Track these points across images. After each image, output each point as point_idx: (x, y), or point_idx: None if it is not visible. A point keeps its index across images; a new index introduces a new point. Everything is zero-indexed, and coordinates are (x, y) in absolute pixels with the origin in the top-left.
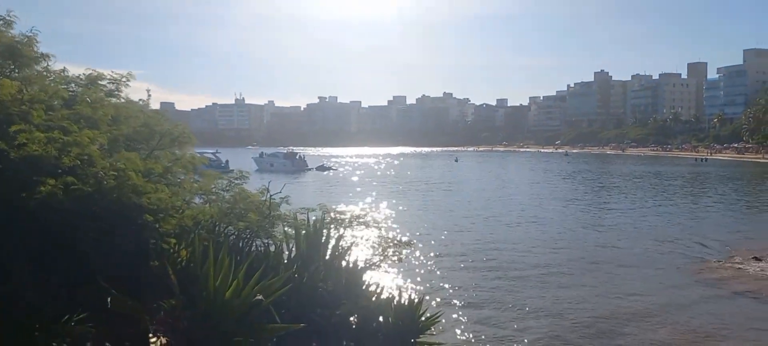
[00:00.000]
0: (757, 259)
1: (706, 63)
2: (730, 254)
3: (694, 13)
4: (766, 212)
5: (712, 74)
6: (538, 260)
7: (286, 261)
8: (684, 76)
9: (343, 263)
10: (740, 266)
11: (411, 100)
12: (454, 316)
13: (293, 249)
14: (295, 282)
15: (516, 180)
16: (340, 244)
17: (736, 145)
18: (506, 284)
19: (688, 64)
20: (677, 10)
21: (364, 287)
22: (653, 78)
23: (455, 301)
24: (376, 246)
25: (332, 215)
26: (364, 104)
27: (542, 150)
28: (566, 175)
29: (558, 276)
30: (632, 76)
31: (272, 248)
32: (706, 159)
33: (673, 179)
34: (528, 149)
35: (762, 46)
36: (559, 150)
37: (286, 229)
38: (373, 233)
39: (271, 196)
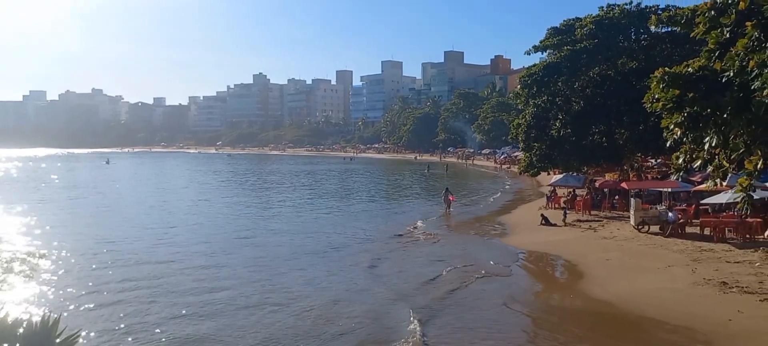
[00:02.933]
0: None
1: (352, 71)
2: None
3: (340, 25)
4: (402, 200)
5: (356, 81)
6: (197, 264)
7: None
8: (334, 82)
9: None
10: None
11: (53, 96)
12: (99, 331)
13: None
14: None
15: (172, 182)
16: None
17: (376, 145)
18: (158, 292)
19: (336, 71)
20: (325, 20)
21: None
22: (307, 83)
23: (100, 315)
24: (2, 262)
25: None
26: None
27: (203, 151)
28: (231, 176)
29: (220, 279)
30: (288, 80)
31: None
32: (353, 158)
33: (331, 176)
34: (189, 150)
35: (396, 58)
36: (221, 151)
37: None
38: None
39: None
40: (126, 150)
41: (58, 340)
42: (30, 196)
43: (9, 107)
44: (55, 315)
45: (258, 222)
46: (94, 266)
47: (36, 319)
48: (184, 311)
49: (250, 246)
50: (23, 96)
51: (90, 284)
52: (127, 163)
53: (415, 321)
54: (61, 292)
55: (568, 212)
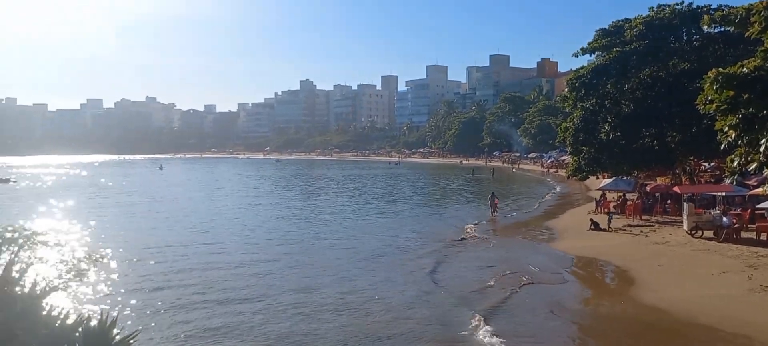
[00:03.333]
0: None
1: (397, 76)
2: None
3: (385, 30)
4: (451, 204)
5: (401, 86)
6: (255, 270)
7: None
8: (379, 87)
9: (18, 289)
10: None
11: (109, 104)
12: (157, 332)
13: None
14: None
15: (224, 187)
16: (14, 267)
17: (421, 150)
18: (215, 296)
19: (381, 76)
20: (371, 27)
21: (44, 313)
22: (353, 88)
23: (158, 316)
24: (62, 265)
25: (7, 234)
26: (52, 107)
27: (251, 156)
28: (281, 181)
29: (279, 283)
30: (334, 86)
31: None
32: (399, 162)
33: (379, 181)
34: (238, 156)
35: (441, 63)
36: (269, 156)
37: None
38: (59, 250)
39: None
40: (178, 156)
41: (115, 339)
42: (90, 200)
43: (67, 115)
44: (113, 315)
45: (314, 227)
46: (154, 269)
47: (94, 319)
48: (243, 316)
49: (311, 251)
50: (81, 104)
51: (150, 286)
52: (179, 169)
53: (481, 325)
54: (120, 293)
55: (616, 216)
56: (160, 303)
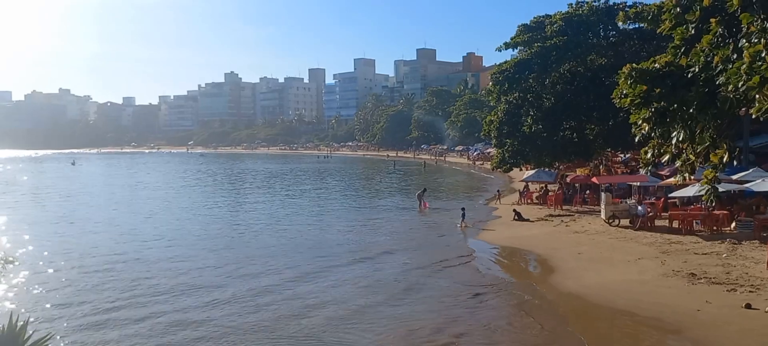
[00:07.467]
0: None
1: (325, 69)
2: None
3: (312, 23)
4: (384, 197)
5: (329, 80)
6: (184, 268)
7: None
8: (306, 80)
9: None
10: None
11: (18, 96)
12: (72, 336)
13: None
14: None
15: (142, 184)
16: None
17: (350, 143)
18: (136, 298)
19: (309, 69)
20: (298, 20)
21: None
22: (279, 81)
23: (72, 319)
24: None
25: None
26: None
27: (173, 151)
28: (206, 177)
29: (192, 282)
30: (260, 79)
31: None
32: (328, 156)
33: (318, 175)
34: (160, 150)
35: (369, 56)
36: (192, 151)
37: None
38: None
39: None
40: (94, 151)
41: (27, 343)
42: None
43: None
44: (23, 319)
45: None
46: (73, 267)
47: (3, 323)
48: (156, 319)
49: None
50: None
51: (66, 288)
52: (95, 165)
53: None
54: (33, 295)
55: (539, 206)
56: (76, 307)
